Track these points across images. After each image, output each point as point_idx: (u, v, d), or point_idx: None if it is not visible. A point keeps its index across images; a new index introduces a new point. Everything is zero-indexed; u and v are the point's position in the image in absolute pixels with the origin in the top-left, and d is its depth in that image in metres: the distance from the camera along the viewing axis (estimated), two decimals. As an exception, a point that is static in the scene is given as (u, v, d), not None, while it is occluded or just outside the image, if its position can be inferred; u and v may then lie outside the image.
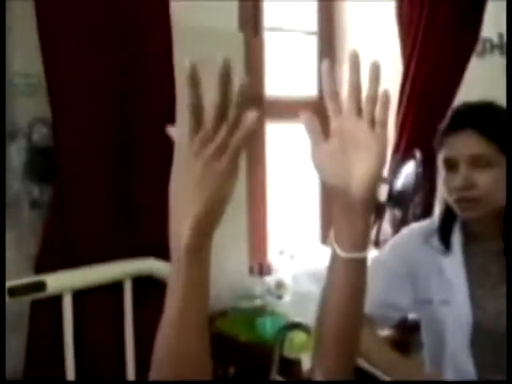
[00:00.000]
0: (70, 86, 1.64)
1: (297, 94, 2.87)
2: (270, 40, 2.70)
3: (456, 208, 1.55)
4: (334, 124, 0.99)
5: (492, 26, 2.94)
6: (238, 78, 0.83)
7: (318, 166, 0.99)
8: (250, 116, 0.84)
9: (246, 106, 0.85)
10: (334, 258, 0.99)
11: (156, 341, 0.87)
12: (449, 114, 1.59)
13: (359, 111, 0.97)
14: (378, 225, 2.51)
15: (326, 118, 1.01)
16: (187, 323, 0.85)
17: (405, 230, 1.74)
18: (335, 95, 0.99)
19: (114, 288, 1.76)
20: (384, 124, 0.96)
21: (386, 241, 2.22)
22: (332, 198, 1.00)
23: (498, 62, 3.19)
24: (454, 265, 1.60)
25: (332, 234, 1.00)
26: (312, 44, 2.94)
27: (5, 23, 1.62)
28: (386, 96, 0.96)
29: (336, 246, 0.98)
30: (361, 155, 0.95)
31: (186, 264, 0.84)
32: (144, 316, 1.76)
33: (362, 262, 0.99)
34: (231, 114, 0.84)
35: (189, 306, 0.85)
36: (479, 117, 1.53)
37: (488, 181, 1.49)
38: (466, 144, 1.51)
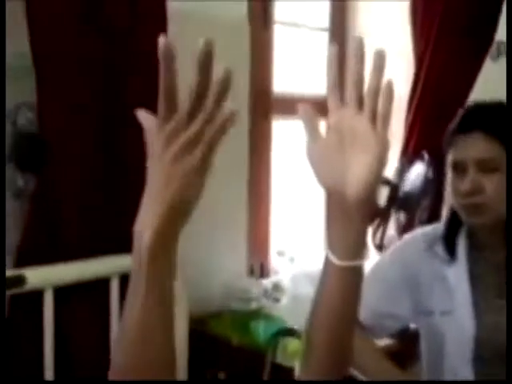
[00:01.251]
0: (57, 68, 1.56)
1: (305, 91, 2.79)
2: (280, 34, 2.61)
3: (462, 213, 1.47)
4: (332, 118, 0.90)
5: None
6: (222, 66, 0.74)
7: (313, 164, 0.91)
8: (230, 109, 0.76)
9: (226, 96, 0.76)
10: (327, 264, 0.91)
11: (116, 341, 0.81)
12: (459, 114, 1.51)
13: (360, 105, 0.87)
14: (383, 228, 2.42)
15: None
16: (150, 328, 0.78)
17: (407, 236, 1.66)
18: (336, 86, 0.90)
19: (99, 285, 1.67)
20: (386, 120, 0.86)
21: (390, 245, 2.13)
22: (326, 200, 0.91)
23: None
24: (457, 274, 1.52)
25: (325, 238, 0.91)
26: (323, 41, 2.85)
27: (5, 23, 1.54)
28: (390, 88, 0.86)
29: (329, 252, 0.90)
30: (359, 153, 0.86)
31: (148, 268, 0.76)
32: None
33: (356, 271, 0.91)
34: (209, 103, 0.75)
35: (151, 312, 0.77)
36: (490, 119, 1.46)
37: (496, 186, 1.43)
38: (476, 147, 1.44)
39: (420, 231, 1.65)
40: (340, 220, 0.88)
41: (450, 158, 1.49)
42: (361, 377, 1.51)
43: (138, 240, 0.77)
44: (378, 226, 2.38)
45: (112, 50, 1.66)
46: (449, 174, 1.50)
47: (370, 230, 2.32)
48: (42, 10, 1.53)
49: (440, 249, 1.55)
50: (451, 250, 1.54)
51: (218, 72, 0.74)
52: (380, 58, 0.86)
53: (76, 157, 1.60)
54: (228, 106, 0.77)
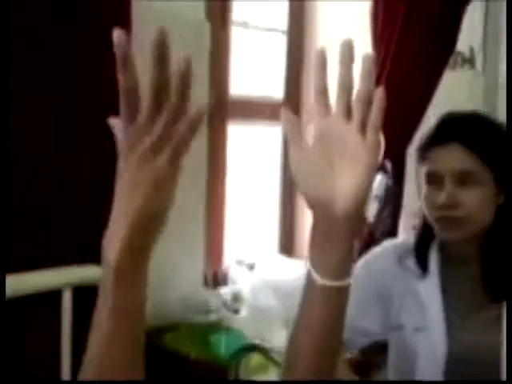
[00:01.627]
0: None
1: (262, 94, 2.73)
2: (237, 35, 2.54)
3: (437, 227, 1.43)
4: (318, 126, 0.82)
5: (465, 40, 2.88)
6: (181, 55, 0.68)
7: (297, 175, 0.83)
8: (199, 106, 0.69)
9: (189, 88, 0.69)
10: (309, 283, 0.82)
11: (84, 360, 0.72)
12: (434, 124, 1.47)
13: (348, 112, 0.80)
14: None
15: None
16: (116, 350, 0.70)
17: (377, 249, 1.60)
18: (323, 91, 0.82)
19: (50, 298, 1.56)
20: (376, 129, 0.79)
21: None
22: (312, 214, 0.83)
23: (467, 76, 3.20)
24: (429, 289, 1.48)
25: (308, 255, 0.83)
26: (281, 43, 2.79)
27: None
28: (381, 96, 0.79)
29: (312, 270, 0.82)
30: (348, 165, 0.79)
31: (114, 288, 0.68)
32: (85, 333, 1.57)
33: (342, 292, 0.83)
34: (172, 100, 0.69)
35: (117, 334, 0.70)
36: (468, 130, 1.41)
37: (474, 200, 1.39)
38: (453, 158, 1.40)
39: (390, 243, 1.60)
40: (326, 236, 0.81)
41: (424, 169, 1.45)
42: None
43: (105, 254, 0.70)
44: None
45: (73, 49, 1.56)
46: (422, 186, 1.45)
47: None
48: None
49: (411, 262, 1.51)
50: (423, 264, 1.49)
51: (176, 62, 0.67)
52: (367, 62, 0.79)
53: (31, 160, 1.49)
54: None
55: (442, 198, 1.38)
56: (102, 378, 0.70)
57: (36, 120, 1.51)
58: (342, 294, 0.83)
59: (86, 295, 1.59)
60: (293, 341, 0.88)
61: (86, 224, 1.57)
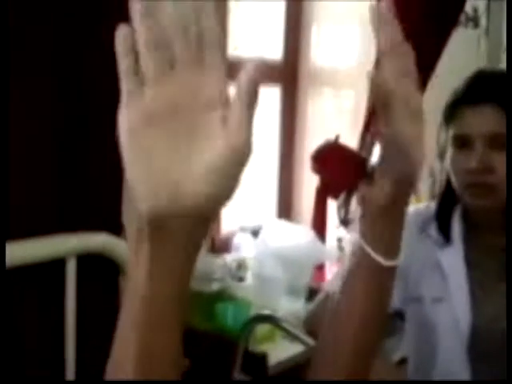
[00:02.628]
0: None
1: (260, 55, 2.63)
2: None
3: (466, 193, 1.35)
4: None
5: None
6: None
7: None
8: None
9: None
10: (367, 264, 0.77)
11: (113, 349, 0.58)
12: (463, 83, 1.38)
13: None
14: (347, 202, 2.29)
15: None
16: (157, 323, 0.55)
17: None
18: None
19: (54, 267, 1.48)
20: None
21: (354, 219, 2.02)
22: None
23: (472, 35, 3.08)
24: (452, 259, 1.41)
25: (363, 236, 0.78)
26: (280, 4, 2.69)
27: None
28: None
29: (371, 251, 0.77)
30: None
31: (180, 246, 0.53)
32: (89, 304, 1.50)
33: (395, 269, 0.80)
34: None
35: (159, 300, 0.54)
36: (501, 90, 1.32)
37: (507, 165, 1.29)
38: (485, 120, 1.31)
39: (412, 210, 1.51)
40: (386, 217, 0.76)
41: (451, 131, 1.36)
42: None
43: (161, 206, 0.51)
44: (345, 200, 2.26)
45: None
46: (448, 150, 1.37)
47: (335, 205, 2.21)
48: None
49: (433, 230, 1.44)
50: (445, 232, 1.42)
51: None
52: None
53: (32, 123, 1.40)
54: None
55: (473, 162, 1.30)
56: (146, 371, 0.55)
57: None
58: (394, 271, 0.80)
59: (91, 264, 1.52)
60: (340, 319, 0.82)
61: (96, 191, 1.49)
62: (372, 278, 0.78)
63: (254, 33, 2.68)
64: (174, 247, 0.52)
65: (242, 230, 2.19)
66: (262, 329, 1.77)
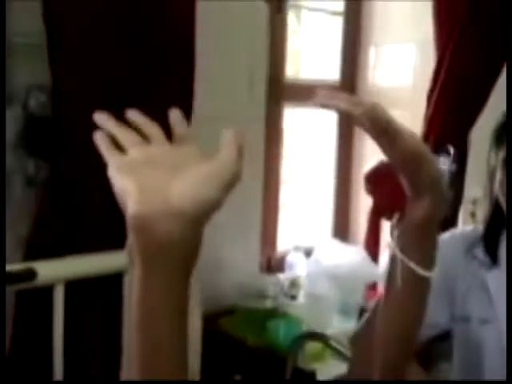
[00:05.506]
0: (73, 48, 1.43)
1: (318, 77, 2.69)
2: (292, 19, 2.51)
3: None
4: None
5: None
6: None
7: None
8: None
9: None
10: (408, 276, 0.83)
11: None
12: None
13: None
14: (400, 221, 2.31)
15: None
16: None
17: (445, 236, 1.54)
18: None
19: (113, 280, 1.56)
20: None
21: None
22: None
23: None
24: (498, 280, 1.41)
25: (403, 250, 0.83)
26: (337, 25, 2.74)
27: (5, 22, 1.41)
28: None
29: (412, 263, 0.82)
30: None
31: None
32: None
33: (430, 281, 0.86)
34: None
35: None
36: None
37: None
38: None
39: (458, 231, 1.54)
40: (422, 227, 0.81)
41: (501, 154, 1.37)
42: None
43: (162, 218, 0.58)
44: (399, 221, 2.27)
45: (137, 19, 1.53)
46: (498, 171, 1.38)
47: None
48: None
49: (480, 251, 1.44)
50: (492, 254, 1.43)
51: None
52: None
53: (93, 144, 1.47)
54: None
55: None
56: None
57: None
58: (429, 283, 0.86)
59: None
60: (385, 329, 0.89)
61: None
62: (411, 288, 0.83)
63: (313, 55, 2.74)
64: (163, 254, 0.58)
65: (296, 249, 2.23)
66: (313, 347, 1.80)
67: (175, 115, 0.69)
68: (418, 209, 0.80)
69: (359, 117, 0.75)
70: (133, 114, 0.70)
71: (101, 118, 0.69)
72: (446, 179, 0.77)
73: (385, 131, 0.75)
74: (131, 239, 0.61)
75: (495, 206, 1.43)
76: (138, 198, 0.57)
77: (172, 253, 0.58)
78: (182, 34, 1.57)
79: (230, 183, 0.58)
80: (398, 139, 0.76)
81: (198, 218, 0.58)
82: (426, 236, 0.82)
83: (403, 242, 0.83)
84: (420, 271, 0.82)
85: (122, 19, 1.50)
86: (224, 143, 0.59)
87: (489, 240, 1.45)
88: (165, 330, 0.59)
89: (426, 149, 0.78)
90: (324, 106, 0.77)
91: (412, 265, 0.81)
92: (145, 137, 0.66)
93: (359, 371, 0.89)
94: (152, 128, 0.67)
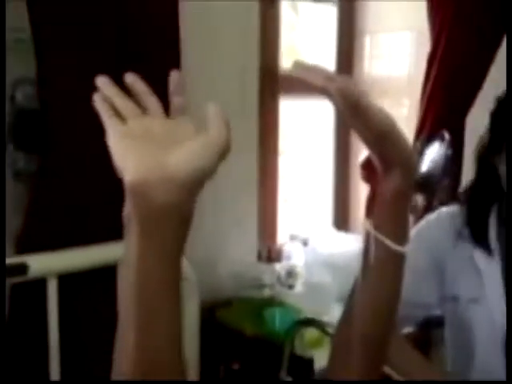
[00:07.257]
0: (59, 42, 1.43)
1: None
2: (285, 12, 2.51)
3: None
4: None
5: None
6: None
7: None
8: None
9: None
10: (381, 252, 0.81)
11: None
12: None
13: None
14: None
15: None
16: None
17: (432, 216, 1.53)
18: None
19: (106, 273, 1.56)
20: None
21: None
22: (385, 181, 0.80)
23: None
24: (488, 259, 1.40)
25: (377, 227, 0.81)
26: (332, 14, 2.73)
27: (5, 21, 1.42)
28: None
29: (384, 237, 0.80)
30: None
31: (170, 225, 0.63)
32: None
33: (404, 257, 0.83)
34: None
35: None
36: None
37: None
38: None
39: (445, 210, 1.52)
40: (394, 203, 0.80)
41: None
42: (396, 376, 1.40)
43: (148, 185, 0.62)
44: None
45: (124, 11, 1.53)
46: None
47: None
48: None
49: (468, 230, 1.44)
50: (481, 232, 1.42)
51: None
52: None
53: (82, 135, 1.48)
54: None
55: None
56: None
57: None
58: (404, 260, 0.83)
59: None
60: (356, 305, 0.85)
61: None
62: (384, 264, 0.81)
63: (309, 45, 2.74)
64: (159, 218, 0.62)
65: (293, 238, 2.22)
66: (311, 334, 1.80)
67: (175, 77, 0.75)
68: (390, 183, 0.78)
69: (333, 92, 0.75)
70: (132, 79, 0.74)
71: (103, 81, 0.72)
72: (416, 155, 0.76)
73: (355, 106, 0.75)
74: (129, 206, 0.68)
75: (480, 185, 1.42)
76: (136, 165, 0.61)
77: (168, 217, 0.62)
78: (168, 34, 1.57)
79: (222, 153, 0.63)
80: (369, 114, 0.75)
81: (193, 185, 0.62)
82: (398, 211, 0.80)
83: (377, 218, 0.82)
84: (393, 246, 0.80)
85: (108, 16, 1.50)
86: (210, 117, 0.64)
87: (477, 219, 1.44)
88: (160, 293, 0.63)
89: (394, 123, 0.77)
90: (300, 78, 0.77)
91: (385, 240, 0.80)
92: (141, 105, 0.72)
93: (339, 358, 0.87)
94: (150, 99, 0.72)
